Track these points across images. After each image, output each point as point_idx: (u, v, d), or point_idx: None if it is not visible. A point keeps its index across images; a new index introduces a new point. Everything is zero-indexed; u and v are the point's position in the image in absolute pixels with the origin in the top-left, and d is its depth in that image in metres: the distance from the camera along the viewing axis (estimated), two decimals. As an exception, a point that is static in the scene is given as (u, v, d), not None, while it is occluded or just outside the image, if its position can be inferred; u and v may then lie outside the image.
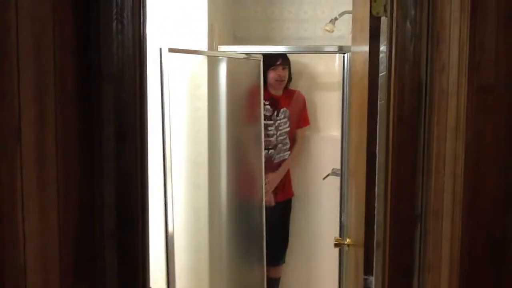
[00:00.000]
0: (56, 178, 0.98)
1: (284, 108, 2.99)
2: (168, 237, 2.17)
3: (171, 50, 2.02)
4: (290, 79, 3.03)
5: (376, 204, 1.43)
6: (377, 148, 1.41)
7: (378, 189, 1.40)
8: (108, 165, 1.15)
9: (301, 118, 3.13)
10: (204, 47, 2.31)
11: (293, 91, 3.10)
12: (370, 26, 1.43)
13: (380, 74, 1.38)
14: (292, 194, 3.14)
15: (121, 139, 1.17)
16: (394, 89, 1.26)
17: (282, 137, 2.98)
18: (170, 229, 2.16)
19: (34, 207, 0.88)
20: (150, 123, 2.26)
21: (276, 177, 2.98)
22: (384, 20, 1.32)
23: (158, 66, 2.00)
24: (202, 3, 2.29)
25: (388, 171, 1.31)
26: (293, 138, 3.06)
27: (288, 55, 2.95)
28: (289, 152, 3.02)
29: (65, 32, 1.02)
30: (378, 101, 1.39)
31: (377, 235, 1.42)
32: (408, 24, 1.22)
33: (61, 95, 1.00)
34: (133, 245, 1.21)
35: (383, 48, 1.37)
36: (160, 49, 2.00)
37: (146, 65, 1.24)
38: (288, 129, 3.01)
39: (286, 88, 3.04)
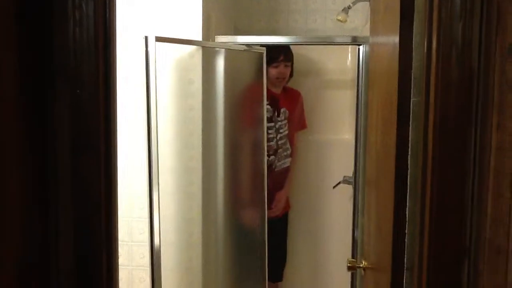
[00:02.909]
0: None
1: (284, 108, 2.66)
2: (154, 253, 1.89)
3: (159, 39, 1.73)
4: (291, 75, 2.71)
5: (407, 230, 1.14)
6: (409, 158, 1.12)
7: (410, 211, 1.12)
8: (63, 186, 0.88)
9: (300, 120, 2.82)
10: (199, 39, 2.03)
11: (292, 89, 2.79)
12: (400, 6, 1.14)
13: (414, 66, 1.10)
14: (289, 207, 2.84)
15: (79, 151, 0.89)
16: (436, 83, 0.98)
17: (282, 141, 2.66)
18: (156, 243, 1.88)
19: None
20: (135, 124, 2.01)
21: (284, 195, 2.69)
22: (420, -5, 1.04)
23: (144, 57, 1.71)
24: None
25: (426, 189, 1.02)
26: (292, 143, 2.74)
27: (294, 50, 2.64)
28: (290, 159, 2.70)
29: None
30: (411, 99, 1.10)
31: (408, 266, 1.13)
32: (455, -5, 0.94)
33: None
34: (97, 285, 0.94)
35: (418, 31, 1.09)
36: (146, 37, 1.71)
37: (115, 53, 0.95)
38: (287, 132, 2.68)
39: (285, 85, 2.72)
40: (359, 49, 2.12)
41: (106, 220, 0.93)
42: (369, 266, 1.64)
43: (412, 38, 1.11)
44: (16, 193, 0.78)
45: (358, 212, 2.13)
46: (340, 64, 2.88)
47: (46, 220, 0.87)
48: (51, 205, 0.86)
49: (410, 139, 1.12)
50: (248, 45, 2.17)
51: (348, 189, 2.42)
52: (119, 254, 1.00)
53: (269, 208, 2.54)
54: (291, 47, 2.62)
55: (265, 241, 2.32)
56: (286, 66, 2.60)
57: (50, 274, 0.87)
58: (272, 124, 2.60)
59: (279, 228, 2.75)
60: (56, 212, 0.87)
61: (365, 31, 2.31)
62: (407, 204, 1.14)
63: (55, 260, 0.88)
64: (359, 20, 2.70)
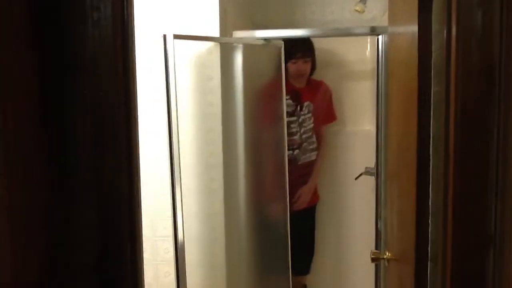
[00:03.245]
0: (8, 209, 0.73)
1: (308, 102, 2.64)
2: (178, 248, 1.91)
3: (177, 37, 1.74)
4: (314, 68, 2.68)
5: (430, 220, 1.13)
6: (431, 148, 1.11)
7: (433, 202, 1.11)
8: (83, 184, 0.89)
9: (327, 113, 2.79)
10: (216, 35, 2.03)
11: (317, 82, 2.76)
12: (418, -6, 1.13)
13: (434, 55, 1.08)
14: (318, 199, 2.83)
15: (100, 149, 0.91)
16: (456, 73, 0.97)
17: (306, 135, 2.64)
18: (180, 238, 1.90)
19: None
20: (156, 122, 2.03)
21: (309, 190, 2.68)
22: (438, -17, 1.02)
23: (162, 55, 1.73)
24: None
25: (448, 179, 1.01)
26: (319, 136, 2.72)
27: (314, 42, 2.63)
28: (316, 152, 2.68)
29: (13, 10, 0.76)
30: (432, 89, 1.09)
31: (432, 257, 1.12)
32: (474, -17, 0.92)
33: (7, 97, 0.74)
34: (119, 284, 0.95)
35: (437, 19, 1.07)
36: (164, 35, 1.73)
37: (134, 52, 0.96)
38: (312, 125, 2.65)
39: (309, 78, 2.69)
40: (378, 39, 2.09)
41: (129, 215, 0.94)
42: (393, 257, 1.63)
43: (431, 27, 1.09)
44: (36, 190, 0.80)
45: (381, 203, 2.12)
46: (359, 55, 2.85)
47: (69, 216, 0.88)
48: (69, 201, 0.88)
49: (431, 129, 1.11)
50: (265, 39, 2.16)
51: (371, 180, 2.41)
52: (143, 250, 1.01)
53: (293, 201, 2.55)
54: (312, 39, 2.61)
55: (288, 234, 2.33)
56: (305, 62, 2.58)
57: (72, 272, 0.89)
58: (295, 118, 2.59)
59: (306, 221, 2.75)
60: (75, 208, 0.89)
61: (383, 21, 2.29)
62: (430, 194, 1.13)
63: (76, 257, 0.89)
64: (377, 10, 2.67)
